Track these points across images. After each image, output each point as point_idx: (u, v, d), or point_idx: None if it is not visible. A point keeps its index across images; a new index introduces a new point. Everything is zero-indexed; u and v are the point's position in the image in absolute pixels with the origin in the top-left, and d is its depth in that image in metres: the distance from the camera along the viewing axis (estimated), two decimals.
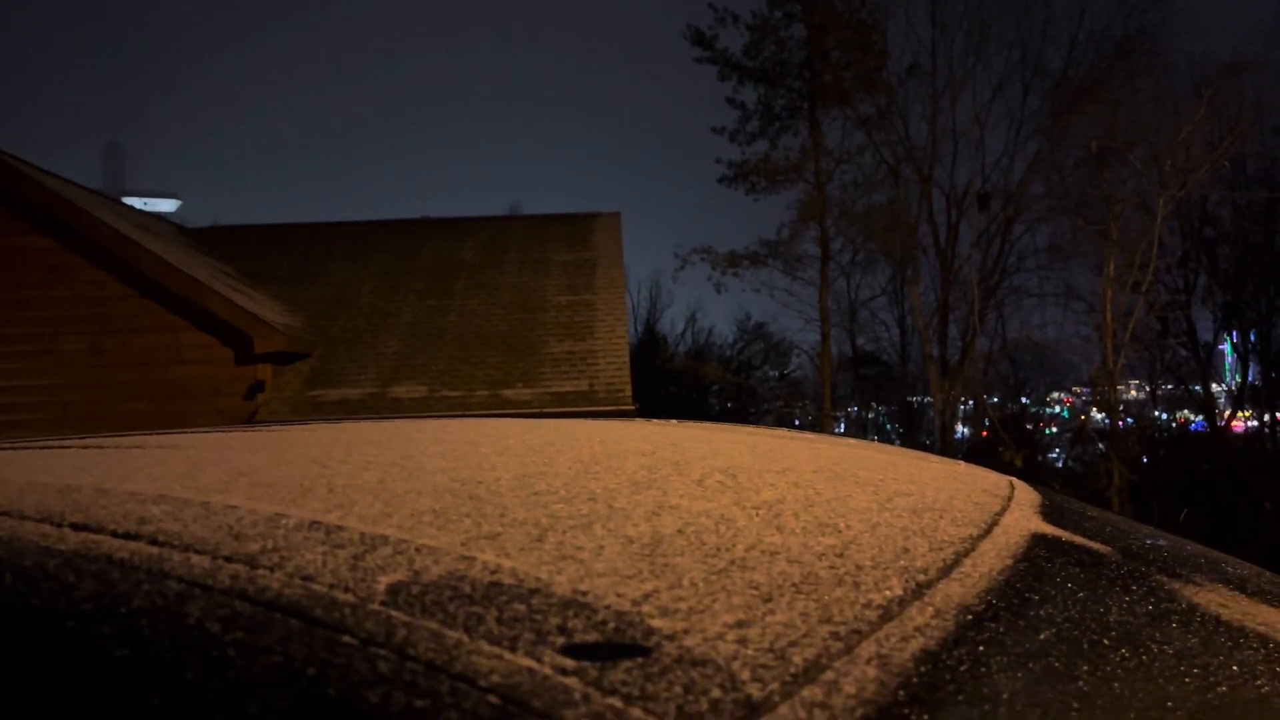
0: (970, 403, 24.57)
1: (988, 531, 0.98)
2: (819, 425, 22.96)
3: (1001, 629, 0.72)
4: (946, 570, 0.81)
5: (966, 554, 0.87)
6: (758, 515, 0.87)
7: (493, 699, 0.49)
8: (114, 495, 0.77)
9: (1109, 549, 1.08)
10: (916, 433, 30.01)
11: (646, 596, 0.64)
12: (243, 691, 0.48)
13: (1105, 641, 0.76)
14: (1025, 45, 23.29)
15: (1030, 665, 0.69)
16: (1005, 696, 0.63)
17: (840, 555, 0.79)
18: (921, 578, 0.78)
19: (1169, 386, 26.52)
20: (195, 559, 0.62)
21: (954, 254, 22.50)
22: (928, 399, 25.38)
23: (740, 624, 0.62)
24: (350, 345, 11.94)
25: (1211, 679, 0.74)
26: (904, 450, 1.57)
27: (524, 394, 11.18)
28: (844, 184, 22.20)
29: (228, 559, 0.62)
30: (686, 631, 0.59)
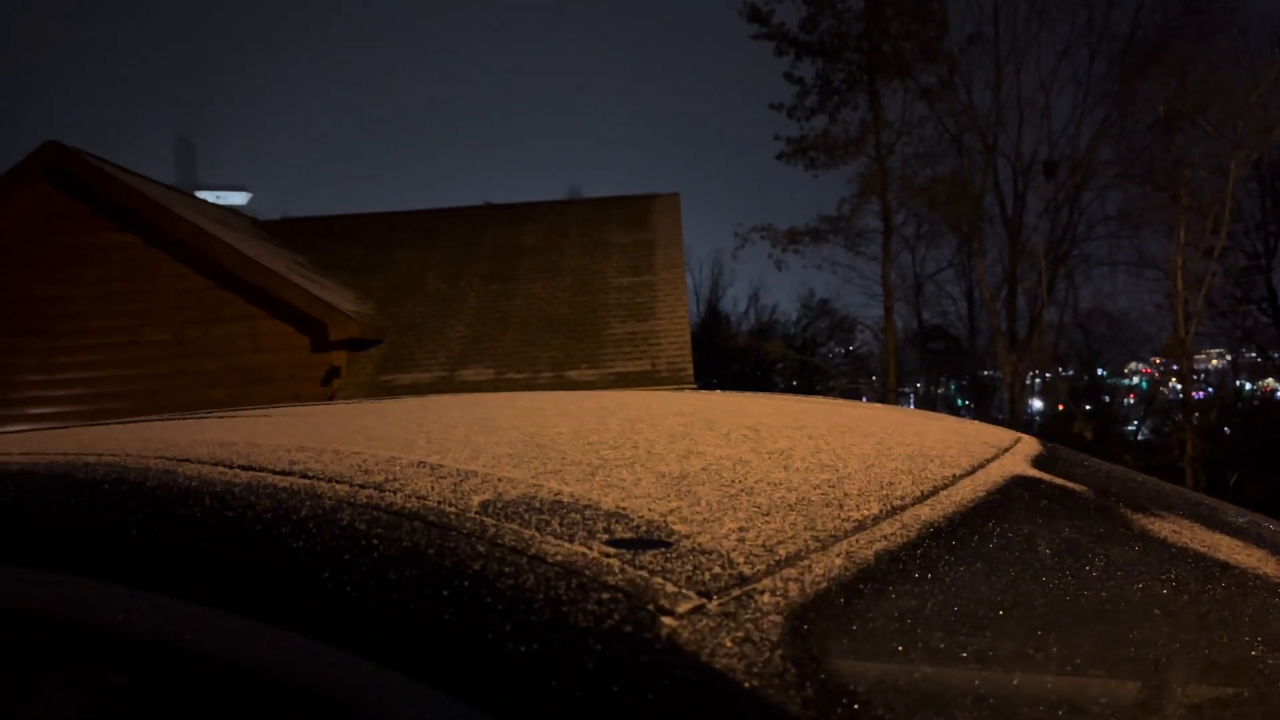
0: (1045, 375, 24.24)
1: (970, 472, 1.16)
2: (884, 401, 22.86)
3: (955, 539, 0.91)
4: (922, 498, 1.00)
5: (944, 487, 1.06)
6: (769, 458, 1.07)
7: (557, 569, 0.70)
8: (265, 446, 0.99)
9: (1085, 489, 1.26)
10: (987, 407, 29.70)
11: (671, 511, 0.84)
12: (384, 564, 0.70)
13: (1046, 550, 0.94)
14: (1091, 8, 22.82)
15: (972, 563, 0.88)
16: (945, 581, 0.82)
17: (833, 487, 0.98)
18: (898, 503, 0.97)
19: (1252, 354, 25.82)
20: (338, 486, 0.84)
21: (1021, 224, 22.19)
22: (998, 373, 25.05)
23: (741, 529, 0.82)
24: (419, 331, 12.32)
25: (1130, 586, 0.92)
26: (922, 412, 1.75)
27: (587, 375, 11.45)
28: (905, 156, 22.04)
29: (361, 486, 0.84)
30: (699, 533, 0.80)
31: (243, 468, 0.90)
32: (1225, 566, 1.07)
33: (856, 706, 0.61)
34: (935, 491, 1.04)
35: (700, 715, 0.59)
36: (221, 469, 0.90)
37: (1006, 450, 1.38)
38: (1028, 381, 23.08)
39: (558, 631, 0.64)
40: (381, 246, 14.09)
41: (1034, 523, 1.07)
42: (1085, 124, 21.70)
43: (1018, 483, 1.18)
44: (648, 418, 1.26)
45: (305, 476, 0.87)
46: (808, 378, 33.77)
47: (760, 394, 1.87)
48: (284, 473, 0.88)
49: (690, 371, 11.69)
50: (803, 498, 0.93)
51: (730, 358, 29.35)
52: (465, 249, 13.97)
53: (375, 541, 0.73)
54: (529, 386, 11.33)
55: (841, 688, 0.63)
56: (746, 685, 0.60)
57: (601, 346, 11.95)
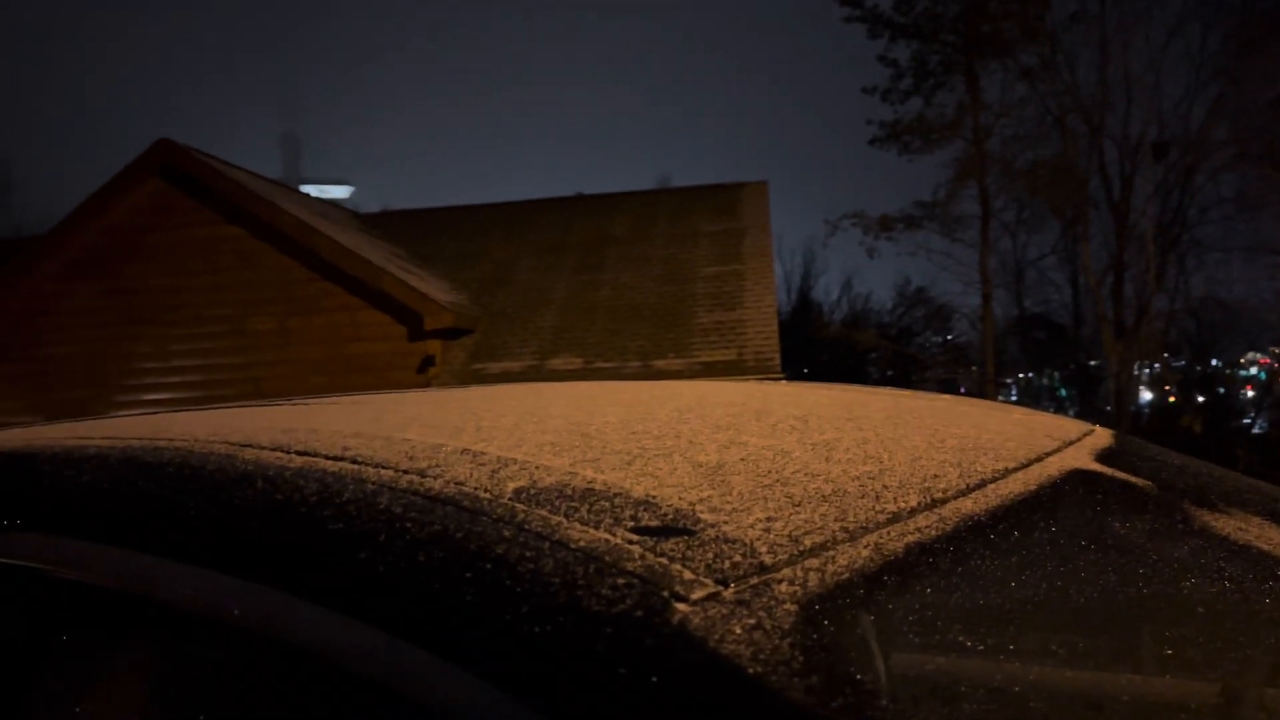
0: (1155, 366, 23.29)
1: (1024, 466, 1.14)
2: (983, 392, 22.29)
3: (995, 534, 0.90)
4: (966, 491, 0.99)
5: (992, 481, 1.05)
6: (812, 449, 1.07)
7: (581, 556, 0.72)
8: (323, 433, 1.04)
9: (1148, 484, 1.22)
10: (1093, 398, 28.69)
11: (701, 500, 0.86)
12: (415, 546, 0.74)
13: (1091, 547, 0.92)
14: None
15: (1008, 558, 0.87)
16: (976, 576, 0.82)
17: (873, 479, 0.98)
18: (940, 495, 0.96)
19: None
20: (383, 472, 0.88)
21: (1128, 208, 21.31)
22: (1104, 363, 24.16)
23: (769, 519, 0.83)
24: (510, 320, 12.54)
25: (1177, 584, 0.89)
26: (988, 403, 1.71)
27: (674, 364, 11.48)
28: (1004, 139, 21.39)
29: (405, 472, 0.88)
30: (725, 522, 0.81)
31: (298, 453, 0.95)
32: None
33: (862, 696, 0.62)
34: (981, 485, 1.02)
35: (702, 699, 0.60)
36: (279, 454, 0.95)
37: (1070, 444, 1.34)
38: (1135, 372, 22.18)
39: (572, 614, 0.66)
40: (475, 238, 14.37)
41: (1083, 518, 1.04)
42: (1198, 102, 20.61)
43: (1074, 477, 1.15)
44: (698, 408, 1.28)
45: (354, 462, 0.91)
46: (902, 368, 33.14)
47: (825, 384, 1.87)
48: (335, 458, 0.93)
49: (777, 361, 11.61)
50: (839, 489, 0.93)
51: (821, 348, 29.00)
52: (555, 239, 14.14)
53: (409, 524, 0.77)
54: (616, 376, 11.42)
55: (850, 677, 0.64)
56: (750, 671, 0.61)
57: (689, 336, 11.96)
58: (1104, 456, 1.32)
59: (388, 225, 15.13)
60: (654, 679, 0.61)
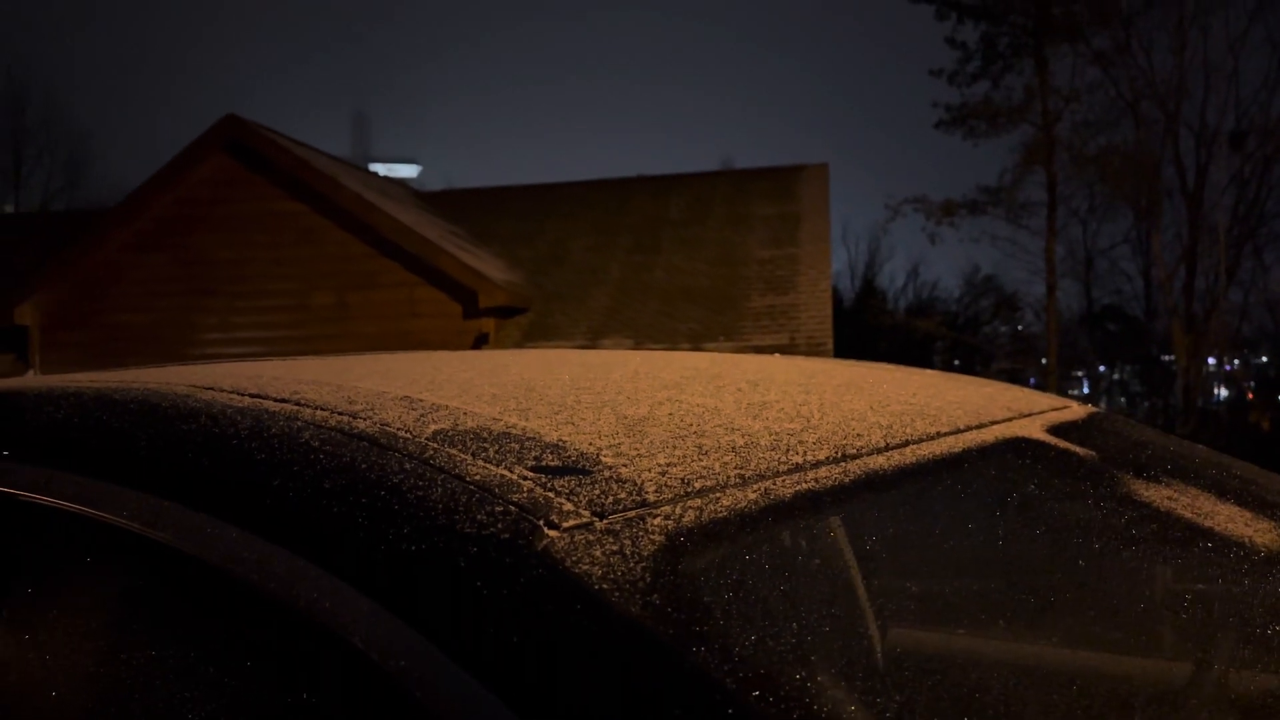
0: (1235, 362, 22.59)
1: (959, 431, 1.17)
2: (1044, 384, 21.86)
3: (894, 489, 0.94)
4: (882, 449, 1.03)
5: (915, 442, 1.08)
6: (744, 409, 1.11)
7: (472, 488, 0.78)
8: (284, 379, 1.12)
9: (1094, 456, 1.24)
10: (1165, 393, 27.93)
11: (610, 446, 0.91)
12: (322, 475, 0.81)
13: (992, 509, 0.95)
14: None
15: (897, 512, 0.91)
16: (859, 525, 0.86)
17: (792, 435, 1.02)
18: (853, 452, 1.00)
19: None
20: (319, 413, 0.95)
21: (1203, 198, 20.65)
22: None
23: (669, 465, 0.88)
24: (564, 300, 12.66)
25: (1071, 552, 0.92)
26: (970, 379, 1.73)
27: (724, 347, 11.49)
28: (1074, 124, 20.88)
29: (338, 413, 0.95)
30: (625, 465, 0.86)
31: (250, 395, 1.02)
32: (1212, 540, 1.05)
33: (700, 617, 0.67)
34: (902, 445, 1.06)
35: (546, 611, 0.66)
36: (233, 395, 1.03)
37: (1026, 415, 1.36)
38: (1209, 368, 21.55)
39: (445, 535, 0.72)
40: (532, 217, 14.51)
41: (1004, 483, 1.07)
42: (1279, 90, 19.88)
43: (1009, 445, 1.18)
44: (655, 372, 1.33)
45: (296, 404, 0.98)
46: (967, 358, 32.62)
47: (816, 359, 1.90)
48: (281, 400, 1.00)
49: (830, 346, 11.55)
50: (752, 442, 0.98)
51: (883, 335, 28.67)
52: (611, 220, 14.21)
53: (322, 457, 0.83)
54: None
55: (698, 602, 0.69)
56: (596, 589, 0.67)
57: (740, 319, 11.96)
58: (1058, 429, 1.34)
59: (447, 204, 15.36)
60: (505, 591, 0.67)
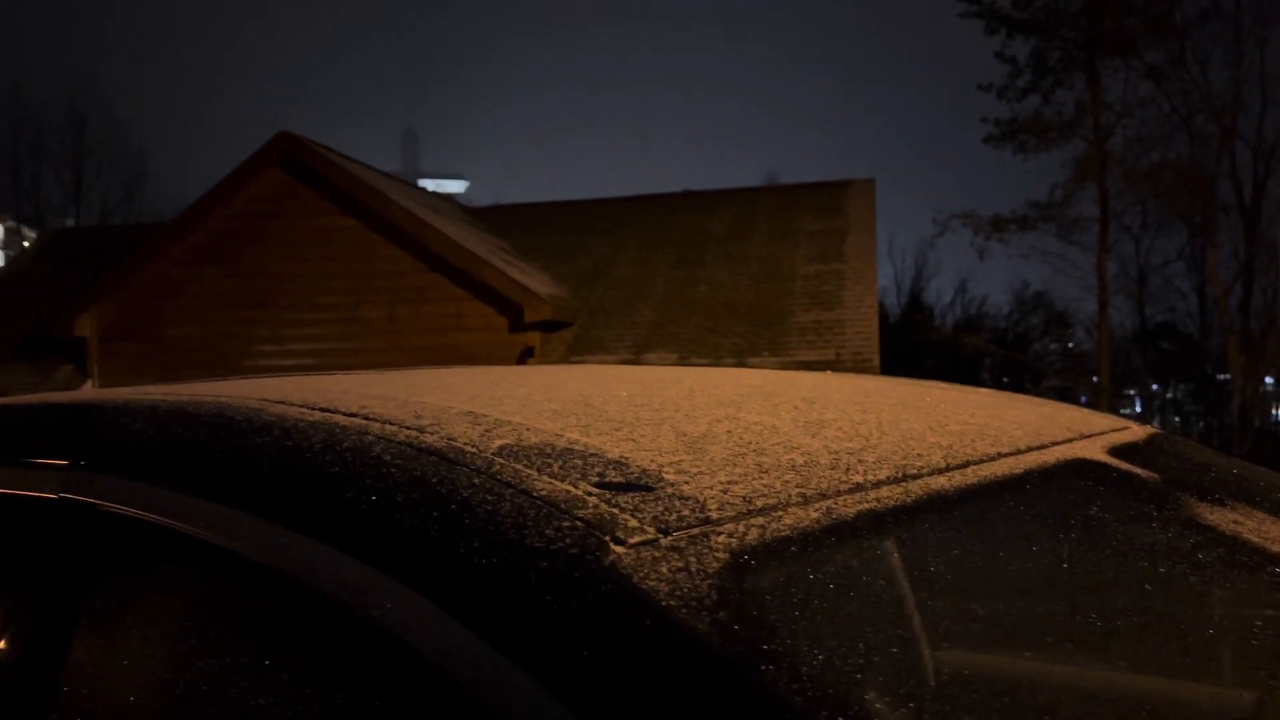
0: None
1: (1020, 452, 1.16)
2: (1097, 403, 21.45)
3: (958, 510, 0.94)
4: (943, 470, 1.03)
5: (976, 463, 1.08)
6: (802, 427, 1.12)
7: (539, 503, 0.80)
8: (352, 394, 1.15)
9: (1156, 478, 1.22)
10: (1221, 413, 27.29)
11: (672, 463, 0.92)
12: (394, 489, 0.83)
13: (1055, 530, 0.95)
14: None
15: (961, 533, 0.90)
16: (924, 545, 0.86)
17: (851, 454, 1.03)
18: (913, 472, 1.00)
19: None
20: (388, 427, 0.97)
21: (1260, 213, 20.21)
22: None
23: (731, 482, 0.89)
24: (608, 314, 12.71)
25: (1132, 574, 0.91)
26: (1028, 398, 1.71)
27: (769, 363, 11.45)
28: (1127, 139, 20.56)
29: (406, 428, 0.97)
30: (686, 482, 0.87)
31: (320, 409, 1.05)
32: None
33: (767, 636, 0.68)
34: (963, 465, 1.06)
35: (614, 625, 0.67)
36: (303, 409, 1.05)
37: (1086, 436, 1.35)
38: (1265, 386, 21.01)
39: (515, 549, 0.74)
40: (577, 232, 14.60)
41: (1067, 504, 1.06)
42: None
43: (1071, 466, 1.17)
44: (709, 389, 1.34)
45: (365, 418, 1.01)
46: (1016, 375, 32.14)
47: (869, 376, 1.89)
48: (350, 414, 1.02)
49: (876, 362, 11.46)
50: (812, 461, 0.98)
51: (929, 351, 28.35)
52: (655, 235, 14.25)
53: (394, 470, 0.86)
54: None
55: (763, 620, 0.70)
56: (663, 604, 0.68)
57: (785, 334, 11.91)
58: (1120, 450, 1.32)
59: (495, 219, 15.51)
60: (575, 606, 0.68)
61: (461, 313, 12.28)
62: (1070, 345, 34.68)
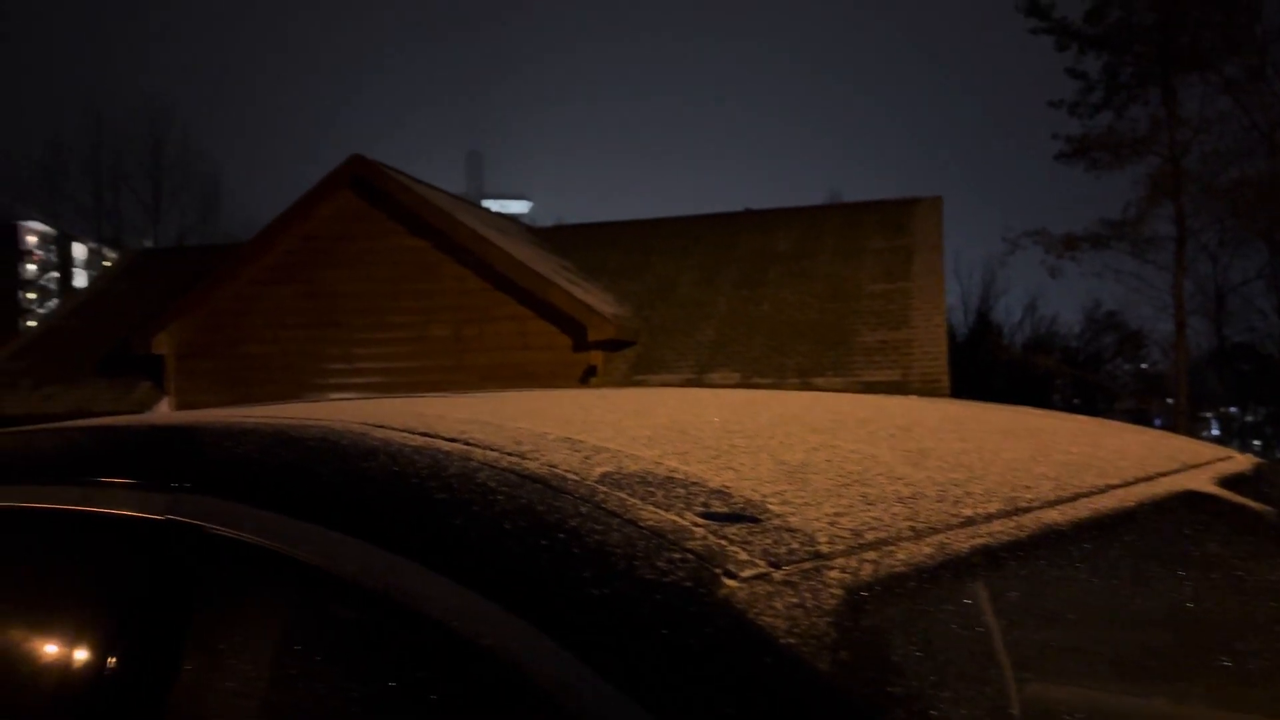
0: None
1: (1129, 484, 1.12)
2: (1174, 426, 20.79)
3: (1072, 544, 0.91)
4: (1054, 503, 0.99)
5: (1086, 495, 1.04)
6: (903, 456, 1.09)
7: (646, 533, 0.79)
8: (448, 419, 1.15)
9: (1268, 510, 1.17)
10: None
11: (775, 493, 0.90)
12: (503, 516, 0.82)
13: (1172, 564, 0.91)
14: None
15: (1078, 567, 0.87)
16: (1041, 580, 0.83)
17: (958, 486, 1.00)
18: (1024, 505, 0.97)
19: None
20: (489, 453, 0.97)
21: None
22: None
23: (838, 514, 0.87)
24: (670, 334, 12.70)
25: (1244, 608, 0.87)
26: (1124, 425, 1.66)
27: (834, 383, 11.33)
28: (1204, 155, 19.98)
29: (508, 454, 0.97)
30: (792, 514, 0.86)
31: (421, 434, 1.06)
32: None
33: (890, 677, 0.66)
34: (1073, 498, 1.02)
35: (735, 662, 0.66)
36: (405, 434, 1.06)
37: (1193, 466, 1.30)
38: None
39: (628, 580, 0.73)
40: (640, 251, 14.64)
41: (1183, 539, 1.02)
42: None
43: (1183, 498, 1.12)
44: (798, 415, 1.32)
45: (466, 444, 1.01)
46: (1088, 396, 31.35)
47: (952, 400, 1.85)
48: (451, 439, 1.03)
49: (945, 383, 11.26)
50: (918, 493, 0.96)
51: (998, 371, 27.80)
52: (718, 254, 14.23)
53: (500, 497, 0.85)
54: None
55: (883, 660, 0.68)
56: (783, 641, 0.66)
57: (850, 354, 11.78)
58: (1229, 481, 1.27)
59: (558, 239, 15.64)
60: (692, 641, 0.67)
61: (526, 331, 12.38)
62: (1144, 366, 33.76)
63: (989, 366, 27.24)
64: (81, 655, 1.11)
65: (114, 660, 1.04)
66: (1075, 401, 31.01)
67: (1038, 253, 22.49)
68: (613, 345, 12.30)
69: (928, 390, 11.02)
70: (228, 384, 12.61)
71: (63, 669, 1.11)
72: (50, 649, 1.20)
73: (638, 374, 12.10)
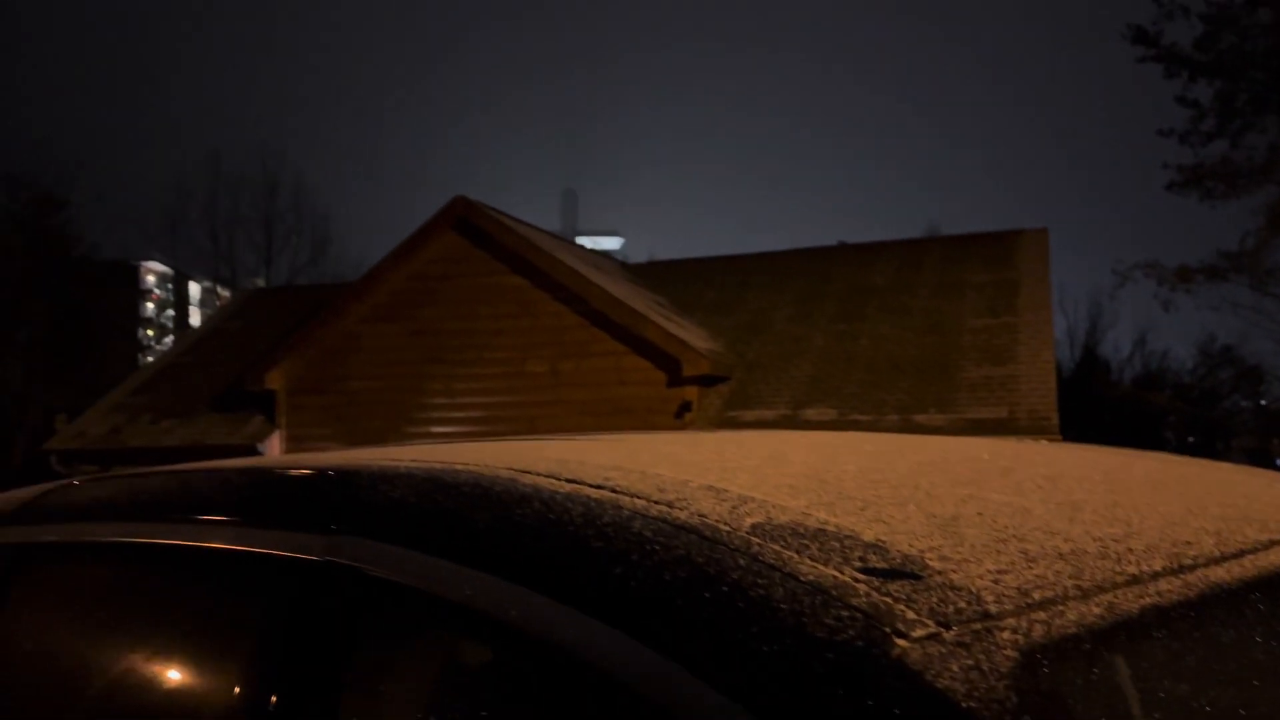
0: None
1: None
2: None
3: (1246, 605, 0.87)
4: (1220, 560, 0.96)
5: (1252, 552, 1.00)
6: (1055, 509, 1.07)
7: (809, 588, 0.79)
8: (589, 465, 1.17)
9: None
10: None
11: (931, 548, 0.89)
12: (662, 566, 0.83)
13: None
14: None
15: (1255, 631, 0.83)
16: (1218, 645, 0.80)
17: (1117, 541, 0.97)
18: (1188, 562, 0.94)
19: None
20: (638, 501, 0.99)
21: None
22: None
23: (1000, 571, 0.85)
24: (765, 369, 12.63)
25: None
26: (1259, 471, 1.59)
27: (936, 420, 11.08)
28: None
29: (655, 502, 0.98)
30: (954, 571, 0.84)
31: (567, 480, 1.08)
32: None
33: None
34: (1240, 555, 0.98)
35: None
36: (551, 480, 1.09)
37: None
38: None
39: (797, 637, 0.73)
40: (733, 287, 14.64)
41: None
42: None
43: None
44: (938, 463, 1.30)
45: (613, 491, 1.03)
46: (1204, 435, 29.94)
47: (1086, 445, 1.80)
48: (597, 486, 1.05)
49: (1055, 421, 10.90)
50: (1078, 549, 0.93)
51: (1108, 408, 26.77)
52: (814, 289, 14.12)
53: (657, 548, 0.86)
54: (873, 429, 11.17)
55: None
56: (964, 706, 0.65)
57: (953, 390, 11.51)
58: None
59: (652, 275, 15.76)
60: (870, 703, 0.66)
61: (621, 367, 12.47)
62: (1264, 403, 32.07)
63: (1097, 403, 26.25)
64: (241, 692, 1.15)
65: (275, 699, 1.08)
66: (1190, 440, 29.60)
67: (1146, 285, 21.67)
68: (707, 381, 12.28)
69: (1036, 428, 10.69)
70: (335, 419, 13.02)
71: (225, 706, 1.16)
72: (211, 686, 1.26)
73: (732, 410, 12.05)
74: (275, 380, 13.32)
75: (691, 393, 12.14)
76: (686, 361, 11.93)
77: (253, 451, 12.70)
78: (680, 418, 12.10)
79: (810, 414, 11.63)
